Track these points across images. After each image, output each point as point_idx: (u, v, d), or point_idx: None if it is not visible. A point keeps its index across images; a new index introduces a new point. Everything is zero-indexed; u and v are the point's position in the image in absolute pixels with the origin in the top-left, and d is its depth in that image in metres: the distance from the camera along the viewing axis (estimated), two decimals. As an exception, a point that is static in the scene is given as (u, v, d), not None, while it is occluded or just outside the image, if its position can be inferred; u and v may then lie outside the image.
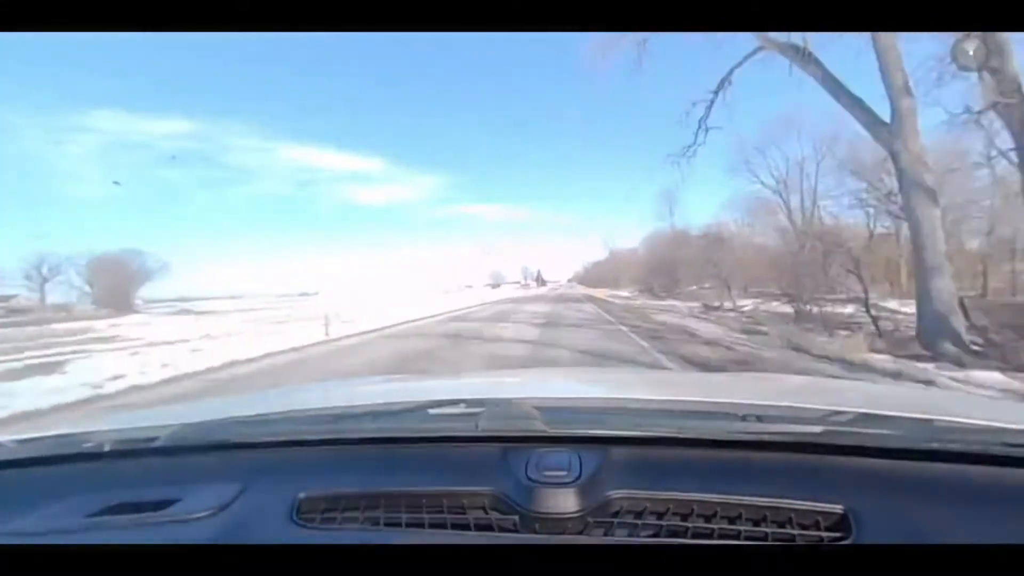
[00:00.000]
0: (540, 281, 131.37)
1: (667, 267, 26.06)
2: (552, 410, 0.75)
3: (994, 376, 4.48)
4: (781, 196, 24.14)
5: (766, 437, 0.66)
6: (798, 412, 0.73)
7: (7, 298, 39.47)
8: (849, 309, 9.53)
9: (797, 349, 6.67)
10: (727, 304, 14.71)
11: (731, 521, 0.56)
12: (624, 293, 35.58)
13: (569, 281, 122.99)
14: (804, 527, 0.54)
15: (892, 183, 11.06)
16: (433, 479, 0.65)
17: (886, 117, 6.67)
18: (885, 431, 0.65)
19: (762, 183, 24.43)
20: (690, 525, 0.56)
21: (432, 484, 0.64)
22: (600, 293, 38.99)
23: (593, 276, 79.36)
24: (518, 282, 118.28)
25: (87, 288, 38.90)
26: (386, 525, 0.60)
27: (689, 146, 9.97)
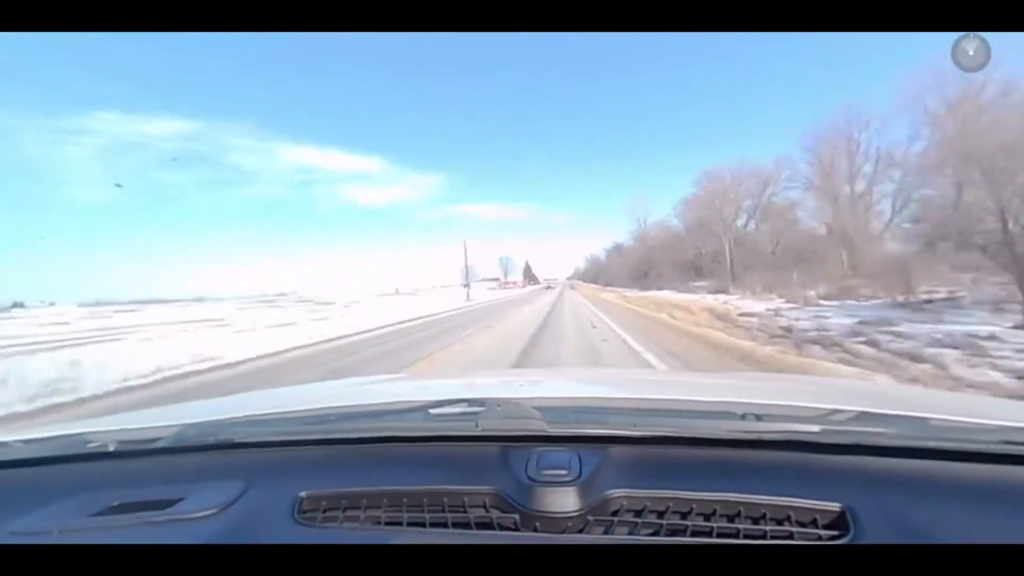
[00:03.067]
0: (530, 278, 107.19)
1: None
2: (552, 410, 0.75)
3: None
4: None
5: (765, 436, 0.66)
6: (797, 411, 0.73)
7: None
8: None
9: None
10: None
11: (730, 519, 0.56)
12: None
13: (569, 279, 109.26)
14: (803, 525, 0.55)
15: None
16: (434, 478, 0.65)
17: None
18: (883, 430, 0.65)
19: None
20: (689, 524, 0.56)
21: (433, 483, 0.64)
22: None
23: (611, 271, 57.36)
24: (496, 279, 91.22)
25: None
26: (387, 524, 0.60)
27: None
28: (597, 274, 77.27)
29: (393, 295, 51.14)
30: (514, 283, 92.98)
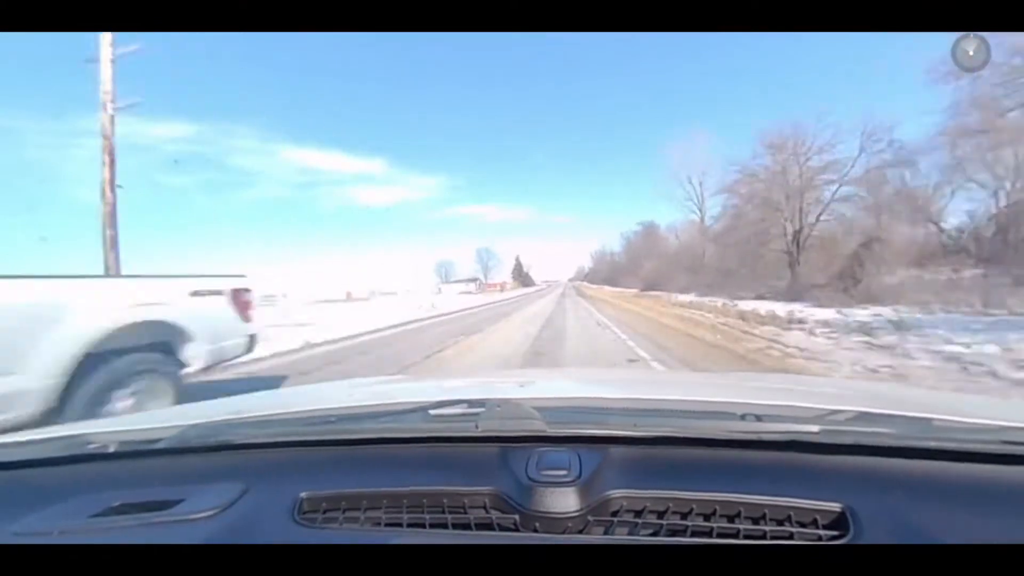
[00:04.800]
0: (521, 279, 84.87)
1: None
2: (552, 410, 0.75)
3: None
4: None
5: (765, 436, 0.66)
6: (797, 411, 0.73)
7: None
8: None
9: None
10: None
11: (730, 520, 0.56)
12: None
13: (571, 281, 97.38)
14: (803, 525, 0.55)
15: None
16: (434, 479, 0.65)
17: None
18: (884, 430, 0.66)
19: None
20: (689, 524, 0.56)
21: (433, 484, 0.64)
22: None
23: (645, 267, 36.07)
24: (475, 280, 71.54)
25: None
26: (387, 525, 0.61)
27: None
28: (613, 273, 55.71)
29: (344, 300, 40.24)
30: (499, 285, 70.18)
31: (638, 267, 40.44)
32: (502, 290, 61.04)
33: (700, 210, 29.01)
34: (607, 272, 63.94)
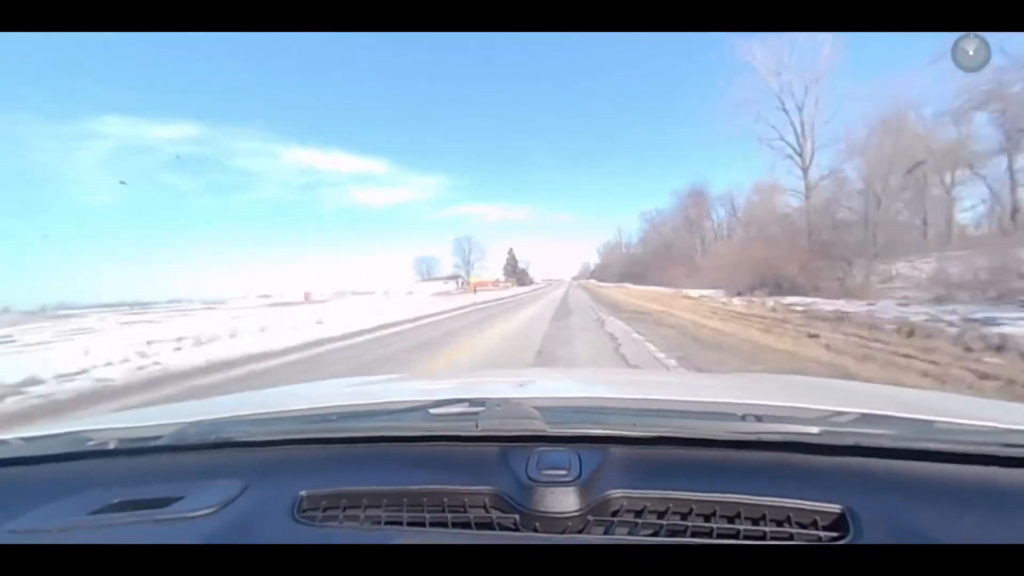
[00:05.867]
0: (516, 275, 71.22)
1: None
2: (552, 410, 0.75)
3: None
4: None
5: (765, 437, 0.66)
6: (798, 412, 0.73)
7: None
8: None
9: None
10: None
11: (730, 520, 0.56)
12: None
13: (575, 279, 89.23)
14: (802, 526, 0.55)
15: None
16: (434, 478, 0.65)
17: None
18: (884, 431, 0.65)
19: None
20: (689, 524, 0.56)
21: (433, 483, 0.64)
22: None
23: (711, 256, 24.02)
24: (456, 278, 62.10)
25: None
26: (387, 523, 0.61)
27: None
28: (632, 267, 46.33)
29: (301, 303, 36.95)
30: (473, 286, 55.78)
31: (675, 257, 27.12)
32: (475, 291, 47.66)
33: (802, 155, 15.69)
34: (622, 267, 50.84)
